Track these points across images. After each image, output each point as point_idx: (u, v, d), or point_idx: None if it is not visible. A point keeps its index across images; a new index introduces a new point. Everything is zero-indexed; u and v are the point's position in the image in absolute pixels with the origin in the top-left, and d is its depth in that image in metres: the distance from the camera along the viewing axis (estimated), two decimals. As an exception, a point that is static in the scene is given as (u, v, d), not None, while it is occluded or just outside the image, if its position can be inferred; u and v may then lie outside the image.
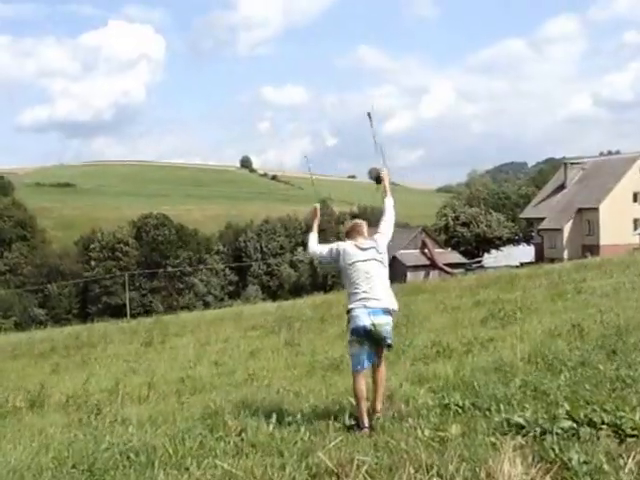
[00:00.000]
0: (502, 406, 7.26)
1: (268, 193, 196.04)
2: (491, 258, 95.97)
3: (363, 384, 7.80)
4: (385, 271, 8.09)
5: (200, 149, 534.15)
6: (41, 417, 10.42)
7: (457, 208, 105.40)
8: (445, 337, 13.99)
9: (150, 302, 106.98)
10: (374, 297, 7.81)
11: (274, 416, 7.82)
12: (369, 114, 8.55)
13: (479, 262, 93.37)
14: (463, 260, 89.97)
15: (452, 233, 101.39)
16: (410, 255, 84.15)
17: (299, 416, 7.86)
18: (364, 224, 8.49)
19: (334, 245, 8.25)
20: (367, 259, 7.96)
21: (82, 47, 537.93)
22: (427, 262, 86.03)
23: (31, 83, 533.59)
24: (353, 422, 7.73)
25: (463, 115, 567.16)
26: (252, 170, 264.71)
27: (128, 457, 7.03)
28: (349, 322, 7.90)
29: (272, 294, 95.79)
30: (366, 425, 7.57)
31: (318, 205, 8.84)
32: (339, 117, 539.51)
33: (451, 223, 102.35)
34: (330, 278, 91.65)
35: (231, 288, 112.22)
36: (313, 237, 8.49)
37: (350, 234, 8.27)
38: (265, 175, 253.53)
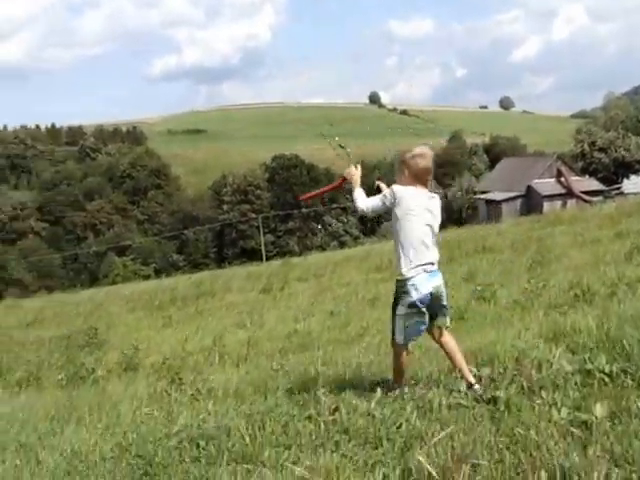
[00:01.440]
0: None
1: (398, 128, 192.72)
2: (631, 184, 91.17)
3: (404, 360, 6.52)
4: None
5: (327, 88, 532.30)
6: (127, 384, 9.29)
7: (593, 133, 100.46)
8: (585, 277, 12.04)
9: (286, 243, 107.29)
10: (431, 259, 6.34)
11: (378, 390, 6.33)
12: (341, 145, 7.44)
13: (618, 189, 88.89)
14: (601, 187, 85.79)
15: (589, 159, 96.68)
16: (546, 184, 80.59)
17: (406, 389, 6.35)
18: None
19: (387, 190, 6.59)
20: (431, 210, 6.40)
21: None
22: (564, 191, 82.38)
23: (157, 34, 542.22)
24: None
25: (596, 35, 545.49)
26: (381, 106, 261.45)
27: (197, 445, 5.74)
28: (404, 293, 6.27)
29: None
30: (405, 385, 6.49)
31: (355, 167, 7.04)
32: (467, 46, 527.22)
33: (587, 149, 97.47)
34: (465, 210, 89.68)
35: (365, 226, 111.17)
36: (360, 192, 6.78)
37: (419, 177, 6.48)
38: (394, 110, 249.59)
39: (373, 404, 6.00)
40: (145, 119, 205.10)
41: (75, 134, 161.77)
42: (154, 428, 6.49)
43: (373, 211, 6.59)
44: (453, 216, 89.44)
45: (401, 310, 6.29)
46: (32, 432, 6.98)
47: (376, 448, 5.03)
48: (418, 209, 6.33)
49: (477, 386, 6.16)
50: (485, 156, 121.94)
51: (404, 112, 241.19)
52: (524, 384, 5.88)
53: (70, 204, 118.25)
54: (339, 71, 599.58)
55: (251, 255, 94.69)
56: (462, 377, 6.32)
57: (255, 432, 5.78)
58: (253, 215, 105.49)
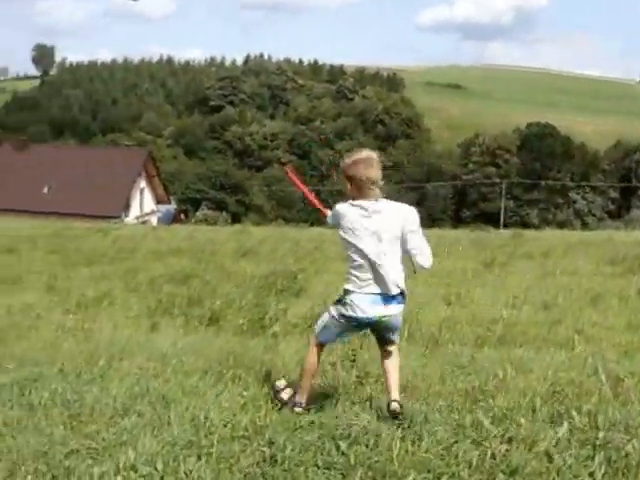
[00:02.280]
0: None
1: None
2: None
3: (318, 358, 5.85)
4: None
5: (600, 60, 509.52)
6: (301, 348, 8.50)
7: None
8: None
9: (526, 214, 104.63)
10: (383, 284, 5.43)
11: (564, 425, 5.17)
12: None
13: None
14: None
15: None
16: None
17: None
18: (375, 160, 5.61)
19: (329, 212, 5.94)
20: (376, 231, 5.45)
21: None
22: None
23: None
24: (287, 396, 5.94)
25: None
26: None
27: (338, 447, 4.89)
28: (343, 303, 5.54)
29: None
30: (304, 404, 5.78)
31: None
32: None
33: None
34: None
35: (612, 208, 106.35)
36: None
37: (361, 188, 5.55)
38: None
39: (554, 442, 4.90)
40: (406, 67, 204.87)
41: (335, 73, 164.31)
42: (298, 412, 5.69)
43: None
44: None
45: (333, 311, 5.69)
46: (177, 386, 6.35)
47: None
48: (360, 231, 5.48)
49: (395, 405, 5.47)
50: None
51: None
52: None
53: (320, 141, 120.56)
54: (616, 44, 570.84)
55: (488, 219, 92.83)
56: (387, 388, 5.69)
57: (407, 447, 4.86)
58: (497, 180, 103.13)
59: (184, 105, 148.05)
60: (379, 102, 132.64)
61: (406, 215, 5.58)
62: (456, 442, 4.93)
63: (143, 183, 63.07)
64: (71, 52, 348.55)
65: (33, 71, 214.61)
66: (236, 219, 70.57)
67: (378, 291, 5.45)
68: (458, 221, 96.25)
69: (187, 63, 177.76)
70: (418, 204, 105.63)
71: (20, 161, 60.40)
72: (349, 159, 5.67)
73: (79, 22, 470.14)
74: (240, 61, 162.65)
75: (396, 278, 5.46)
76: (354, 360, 7.05)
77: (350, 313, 5.52)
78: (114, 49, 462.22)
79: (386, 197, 5.54)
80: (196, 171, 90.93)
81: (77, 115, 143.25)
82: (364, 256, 5.42)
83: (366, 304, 5.47)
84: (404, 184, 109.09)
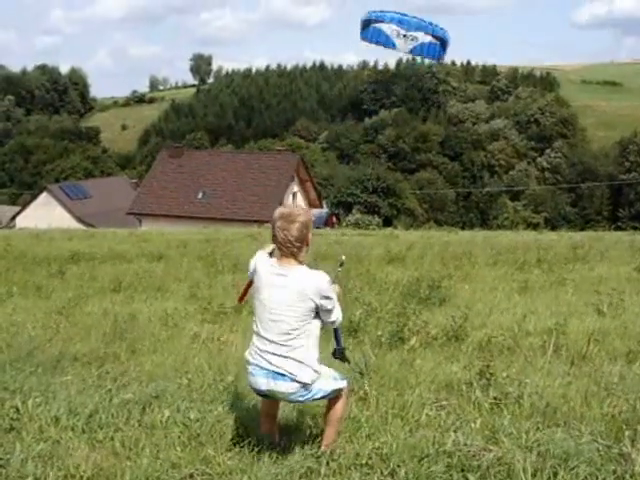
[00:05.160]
0: None
1: None
2: None
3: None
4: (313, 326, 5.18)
5: None
6: (438, 363, 8.08)
7: None
8: None
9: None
10: (272, 356, 5.14)
11: None
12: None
13: None
14: None
15: None
16: None
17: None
18: (300, 215, 5.19)
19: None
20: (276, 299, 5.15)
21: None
22: None
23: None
24: None
25: None
26: None
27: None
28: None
29: None
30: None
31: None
32: None
33: None
34: None
35: None
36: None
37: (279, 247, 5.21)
38: None
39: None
40: (561, 65, 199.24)
41: (488, 74, 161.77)
42: (428, 437, 5.33)
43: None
44: None
45: None
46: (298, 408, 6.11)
47: None
48: (265, 291, 5.19)
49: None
50: None
51: None
52: None
53: (472, 142, 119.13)
54: None
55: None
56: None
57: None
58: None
59: (337, 109, 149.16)
60: (533, 102, 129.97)
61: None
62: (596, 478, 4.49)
63: (296, 187, 63.65)
64: (228, 60, 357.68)
65: (191, 80, 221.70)
66: (388, 222, 70.25)
67: (263, 364, 5.26)
68: (615, 222, 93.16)
69: (340, 67, 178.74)
70: (573, 205, 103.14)
71: (176, 168, 62.08)
72: (275, 213, 5.26)
73: (237, 31, 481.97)
74: (392, 64, 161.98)
75: (285, 353, 5.15)
76: (490, 378, 6.64)
77: (249, 379, 5.38)
78: (270, 56, 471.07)
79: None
80: (349, 174, 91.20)
81: (232, 121, 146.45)
82: (261, 321, 5.29)
83: (254, 373, 5.30)
84: (559, 185, 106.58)
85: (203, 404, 6.17)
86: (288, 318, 5.06)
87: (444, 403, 5.87)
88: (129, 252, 21.15)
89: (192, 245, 23.70)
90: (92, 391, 6.61)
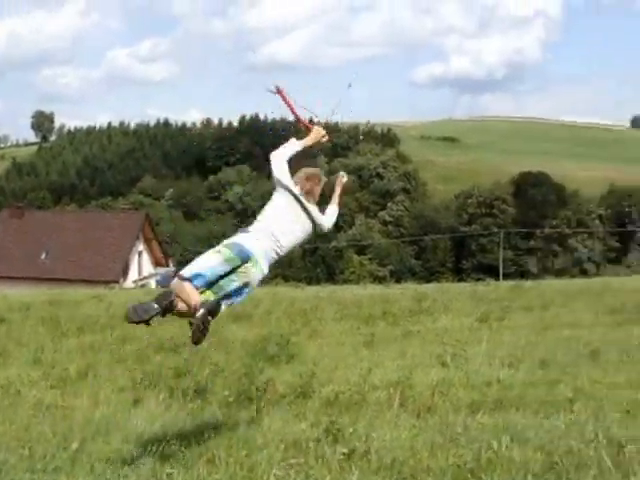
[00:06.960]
0: None
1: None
2: None
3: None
4: None
5: (591, 108, 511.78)
6: (286, 421, 8.05)
7: None
8: None
9: (525, 262, 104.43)
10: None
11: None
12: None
13: None
14: None
15: None
16: None
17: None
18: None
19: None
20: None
21: (479, 4, 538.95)
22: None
23: (428, 40, 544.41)
24: None
25: None
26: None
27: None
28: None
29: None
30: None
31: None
32: None
33: None
34: None
35: (611, 255, 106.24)
36: (291, 146, 6.96)
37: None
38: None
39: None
40: (403, 122, 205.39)
41: (330, 130, 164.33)
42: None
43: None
44: None
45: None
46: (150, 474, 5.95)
47: None
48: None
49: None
50: None
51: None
52: None
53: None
54: (607, 92, 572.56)
55: (488, 270, 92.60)
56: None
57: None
58: (495, 229, 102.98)
59: (182, 167, 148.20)
60: (375, 157, 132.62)
61: None
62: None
63: (141, 246, 62.89)
64: (71, 118, 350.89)
65: (33, 138, 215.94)
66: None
67: None
68: (459, 272, 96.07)
69: (184, 125, 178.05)
70: (417, 258, 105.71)
71: (17, 228, 60.43)
72: None
73: (79, 88, 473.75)
74: (236, 122, 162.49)
75: None
76: (337, 434, 6.68)
77: None
78: (113, 113, 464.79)
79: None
80: (194, 232, 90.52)
81: (75, 180, 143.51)
82: None
83: None
84: (402, 238, 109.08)
85: (45, 475, 5.92)
86: None
87: (292, 462, 5.82)
88: (-34, 317, 20.34)
89: (36, 307, 23.00)
90: None
